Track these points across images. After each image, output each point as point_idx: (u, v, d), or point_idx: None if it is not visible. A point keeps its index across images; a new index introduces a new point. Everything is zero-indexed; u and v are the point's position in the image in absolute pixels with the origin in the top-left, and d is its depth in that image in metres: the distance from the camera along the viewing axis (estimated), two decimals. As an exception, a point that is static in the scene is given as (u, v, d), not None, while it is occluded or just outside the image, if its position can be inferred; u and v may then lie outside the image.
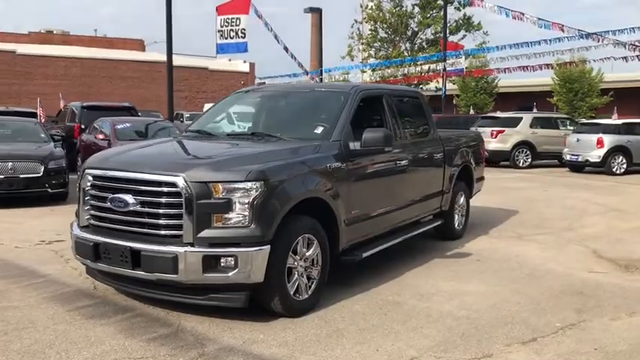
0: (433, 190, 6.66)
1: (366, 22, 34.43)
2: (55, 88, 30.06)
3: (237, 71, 42.15)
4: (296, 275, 4.42)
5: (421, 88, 30.18)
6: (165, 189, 4.08)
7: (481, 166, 8.35)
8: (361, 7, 34.86)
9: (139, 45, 50.30)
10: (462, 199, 7.57)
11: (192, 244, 3.99)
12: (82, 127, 14.11)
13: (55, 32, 56.82)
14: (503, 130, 18.54)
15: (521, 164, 18.54)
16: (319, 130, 5.19)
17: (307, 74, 31.60)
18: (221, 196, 4.00)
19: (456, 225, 7.44)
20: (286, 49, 26.86)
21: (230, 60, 44.79)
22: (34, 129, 11.56)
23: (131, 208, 4.18)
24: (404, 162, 5.86)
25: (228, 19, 15.56)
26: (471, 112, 34.27)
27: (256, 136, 5.34)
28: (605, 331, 4.31)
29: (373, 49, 34.32)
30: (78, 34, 49.93)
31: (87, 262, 4.54)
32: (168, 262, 3.96)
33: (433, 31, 32.79)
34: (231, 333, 4.09)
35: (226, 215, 4.00)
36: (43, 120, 16.24)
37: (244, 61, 42.98)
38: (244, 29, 15.40)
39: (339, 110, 5.28)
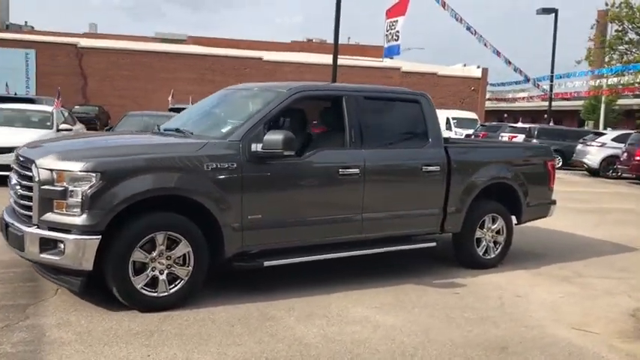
0: (420, 206, 5.86)
1: (611, 23, 30.39)
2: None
3: (469, 77, 40.97)
4: (149, 271, 4.46)
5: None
6: (26, 172, 4.51)
7: (544, 186, 6.98)
8: (606, 4, 30.84)
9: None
10: (495, 224, 6.46)
11: (37, 226, 4.35)
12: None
13: (314, 40, 62.48)
14: None
15: None
16: (225, 129, 5.08)
17: (528, 81, 29.25)
18: (63, 183, 4.27)
19: (482, 252, 6.39)
20: (498, 53, 25.34)
21: (465, 65, 43.84)
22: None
23: (15, 187, 4.72)
24: (352, 170, 5.32)
25: (392, 21, 15.43)
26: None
27: (177, 132, 5.42)
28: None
29: (617, 53, 30.11)
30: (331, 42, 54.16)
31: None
32: (19, 239, 4.38)
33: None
34: (65, 314, 4.34)
35: (65, 202, 4.25)
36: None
37: (478, 67, 41.57)
38: (398, 31, 15.10)
39: (257, 110, 5.08)
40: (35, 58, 34.78)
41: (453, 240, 6.41)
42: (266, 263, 4.95)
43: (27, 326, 4.09)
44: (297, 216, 5.11)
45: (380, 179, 5.57)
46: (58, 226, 4.28)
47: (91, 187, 4.22)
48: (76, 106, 31.67)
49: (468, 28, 21.70)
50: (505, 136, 25.24)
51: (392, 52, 15.79)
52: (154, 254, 4.47)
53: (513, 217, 6.76)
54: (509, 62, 26.20)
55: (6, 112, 12.53)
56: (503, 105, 56.35)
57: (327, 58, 38.40)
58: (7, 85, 25.35)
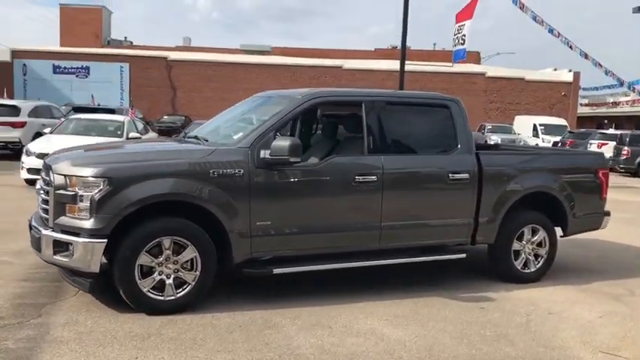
0: (447, 216, 5.59)
1: None
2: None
3: (559, 81, 39.00)
4: (156, 275, 4.55)
5: None
6: (46, 177, 4.75)
7: (594, 197, 6.46)
8: None
9: (475, 57, 50.50)
10: (535, 236, 6.05)
11: (52, 229, 4.56)
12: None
13: (398, 48, 61.73)
14: None
15: None
16: (237, 135, 5.10)
17: (622, 84, 27.38)
18: (75, 188, 4.45)
19: (520, 266, 6.01)
20: (586, 55, 23.95)
21: (555, 69, 41.79)
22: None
23: (39, 191, 4.98)
24: (370, 177, 5.18)
25: (460, 25, 14.98)
26: None
27: (196, 139, 5.49)
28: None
29: None
30: (417, 49, 53.36)
31: None
32: (38, 241, 4.62)
33: None
34: (75, 314, 4.52)
35: (76, 206, 4.43)
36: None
37: (569, 70, 39.50)
38: (465, 35, 14.60)
39: (270, 117, 5.07)
40: (129, 72, 36.94)
41: (489, 252, 6.08)
42: (275, 271, 4.91)
43: (37, 324, 4.29)
44: (309, 223, 5.03)
45: (400, 187, 5.37)
46: (69, 229, 4.46)
47: (99, 191, 4.37)
48: (165, 116, 33.31)
49: (551, 31, 20.64)
50: (594, 144, 23.73)
51: (458, 56, 15.33)
52: (161, 259, 4.56)
53: (558, 229, 6.31)
54: (600, 65, 24.65)
55: (84, 122, 13.36)
56: (602, 110, 52.99)
57: (410, 66, 38.05)
58: (92, 96, 27.23)
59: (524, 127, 31.43)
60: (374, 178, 5.19)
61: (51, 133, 13.16)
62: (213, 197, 4.63)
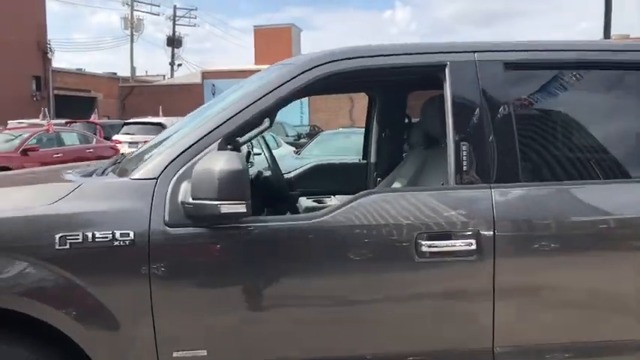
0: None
1: None
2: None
3: None
4: None
5: None
6: None
7: None
8: None
9: None
10: None
11: None
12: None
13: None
14: None
15: None
16: (149, 155, 2.38)
17: None
18: None
19: None
20: None
21: None
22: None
23: None
24: (458, 242, 2.15)
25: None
26: None
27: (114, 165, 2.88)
28: None
29: None
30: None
31: None
32: None
33: None
34: None
35: None
36: None
37: None
38: None
39: (223, 109, 2.31)
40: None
41: None
42: None
43: None
44: (302, 351, 2.18)
45: (547, 260, 2.24)
46: None
47: None
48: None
49: None
50: None
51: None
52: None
53: None
54: None
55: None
56: None
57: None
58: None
59: None
60: (471, 242, 2.15)
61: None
62: (57, 296, 2.03)
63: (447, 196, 2.22)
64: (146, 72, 50.32)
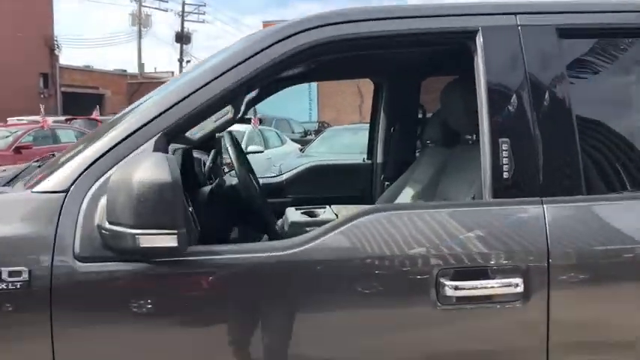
0: None
1: None
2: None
3: None
4: None
5: None
6: None
7: None
8: None
9: None
10: None
11: None
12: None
13: None
14: None
15: None
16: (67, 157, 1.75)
17: None
18: None
19: None
20: None
21: None
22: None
23: None
24: (497, 284, 1.49)
25: None
26: None
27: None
28: None
29: None
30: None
31: None
32: None
33: None
34: None
35: None
36: None
37: None
38: None
39: (155, 103, 1.66)
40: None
41: None
42: None
43: None
44: None
45: (624, 305, 1.58)
46: None
47: None
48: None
49: None
50: None
51: None
52: None
53: None
54: None
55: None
56: None
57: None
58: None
59: None
60: (516, 282, 1.50)
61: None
62: None
63: (480, 215, 1.57)
64: (155, 69, 49.85)
